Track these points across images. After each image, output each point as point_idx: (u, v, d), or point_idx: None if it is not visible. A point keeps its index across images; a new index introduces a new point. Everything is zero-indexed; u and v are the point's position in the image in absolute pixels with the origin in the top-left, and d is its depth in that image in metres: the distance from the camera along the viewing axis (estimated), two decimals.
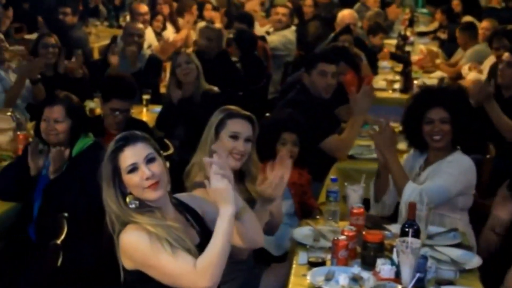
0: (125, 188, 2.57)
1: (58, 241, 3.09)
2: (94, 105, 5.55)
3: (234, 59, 7.01)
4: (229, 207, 2.47)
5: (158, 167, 2.56)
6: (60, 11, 8.32)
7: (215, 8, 10.30)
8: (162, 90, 6.47)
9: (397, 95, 6.77)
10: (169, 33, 9.08)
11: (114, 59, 6.36)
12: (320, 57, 5.01)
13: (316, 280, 2.86)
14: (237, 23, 8.17)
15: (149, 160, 2.56)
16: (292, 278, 2.99)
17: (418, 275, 2.77)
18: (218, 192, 2.48)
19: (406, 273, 2.79)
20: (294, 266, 3.11)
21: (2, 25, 7.70)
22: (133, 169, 2.54)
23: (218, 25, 8.40)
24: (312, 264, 3.05)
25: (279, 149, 4.01)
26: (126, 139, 2.58)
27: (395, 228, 3.40)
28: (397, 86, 6.93)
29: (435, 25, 11.68)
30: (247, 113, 3.34)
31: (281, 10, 8.48)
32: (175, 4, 9.84)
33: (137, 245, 2.47)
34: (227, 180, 2.48)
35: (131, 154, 2.55)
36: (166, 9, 9.40)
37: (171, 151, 4.58)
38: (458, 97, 3.78)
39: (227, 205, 2.47)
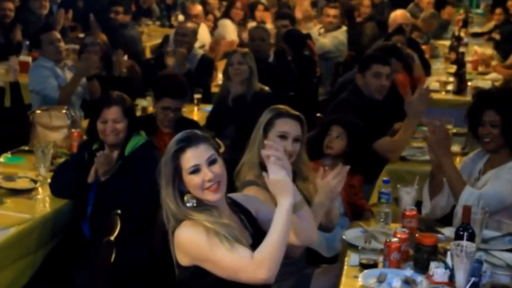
0: (184, 187, 2.57)
1: (112, 238, 3.12)
2: (146, 104, 5.61)
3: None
4: (288, 198, 2.45)
5: (219, 168, 2.55)
6: (112, 10, 8.41)
7: (266, 9, 10.31)
8: (214, 89, 6.50)
9: (450, 96, 6.66)
10: (231, 32, 9.06)
11: (170, 61, 6.32)
12: (374, 59, 4.96)
13: (368, 282, 2.84)
14: (279, 20, 8.16)
15: (211, 162, 2.54)
16: (344, 279, 2.97)
17: (473, 279, 2.72)
18: (277, 183, 2.46)
19: (461, 277, 2.74)
20: (345, 267, 3.09)
21: (58, 24, 7.82)
22: (195, 170, 2.53)
23: (268, 25, 8.41)
24: (363, 266, 3.03)
25: (326, 140, 4.01)
26: (188, 140, 2.56)
27: (448, 231, 3.36)
28: (450, 87, 6.82)
29: (490, 25, 11.47)
30: (296, 112, 3.30)
31: (332, 11, 8.42)
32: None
33: (193, 240, 2.46)
34: (286, 171, 2.46)
35: (194, 156, 2.53)
36: (239, 15, 9.38)
37: (222, 150, 4.59)
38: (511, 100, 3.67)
39: (286, 196, 2.45)
